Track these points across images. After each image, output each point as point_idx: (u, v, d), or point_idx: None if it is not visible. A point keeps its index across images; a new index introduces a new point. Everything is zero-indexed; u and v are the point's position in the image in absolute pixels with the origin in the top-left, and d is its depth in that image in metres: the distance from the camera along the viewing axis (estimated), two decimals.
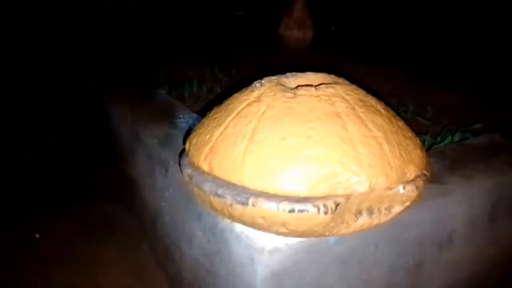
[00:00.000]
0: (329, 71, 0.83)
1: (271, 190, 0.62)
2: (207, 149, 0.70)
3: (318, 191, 0.61)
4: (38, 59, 2.87)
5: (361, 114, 0.68)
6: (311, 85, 0.75)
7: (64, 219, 1.42)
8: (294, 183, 0.61)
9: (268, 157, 0.63)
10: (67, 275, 1.16)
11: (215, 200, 0.65)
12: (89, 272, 1.17)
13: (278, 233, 0.66)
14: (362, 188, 0.63)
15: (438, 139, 1.25)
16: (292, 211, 0.60)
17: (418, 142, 0.74)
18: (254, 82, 0.79)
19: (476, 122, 1.36)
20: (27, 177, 1.69)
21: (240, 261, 0.71)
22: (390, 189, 0.64)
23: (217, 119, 0.73)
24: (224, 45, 2.85)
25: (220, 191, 0.64)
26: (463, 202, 0.94)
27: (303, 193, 0.61)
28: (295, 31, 2.86)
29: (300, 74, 0.82)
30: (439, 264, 0.95)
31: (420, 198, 0.70)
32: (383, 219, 0.68)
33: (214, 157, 0.68)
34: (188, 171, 0.71)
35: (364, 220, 0.67)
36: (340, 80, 0.79)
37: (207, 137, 0.71)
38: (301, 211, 0.60)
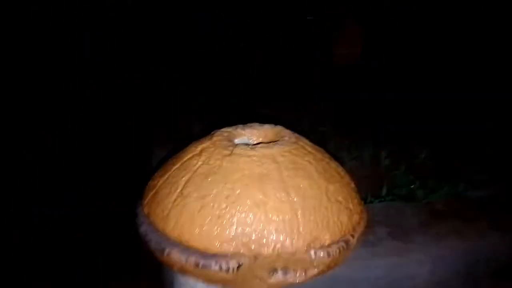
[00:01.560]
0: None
1: (187, 243, 0.69)
2: (151, 193, 0.79)
3: (227, 249, 0.67)
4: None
5: (286, 178, 0.72)
6: (258, 142, 0.80)
7: None
8: (205, 239, 0.67)
9: (188, 212, 0.70)
10: None
11: (146, 243, 0.74)
12: None
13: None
14: (268, 251, 0.67)
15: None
16: (197, 265, 0.66)
17: (350, 206, 0.76)
18: (212, 132, 0.86)
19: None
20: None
21: None
22: (297, 254, 0.67)
23: (167, 165, 0.82)
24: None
25: (148, 237, 0.73)
26: (427, 263, 0.93)
27: (212, 249, 0.67)
28: (344, 49, 2.85)
29: (257, 127, 0.87)
30: None
31: (336, 263, 0.72)
32: (299, 279, 0.71)
33: (153, 203, 0.76)
34: (137, 210, 0.80)
35: (279, 278, 0.71)
36: (292, 137, 0.83)
37: (155, 182, 0.80)
38: (204, 266, 0.66)
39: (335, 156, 1.39)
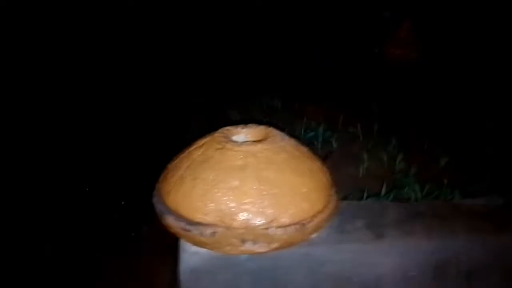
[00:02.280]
0: None
1: (180, 213, 0.92)
2: (164, 174, 1.03)
3: (206, 219, 0.89)
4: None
5: (260, 170, 0.92)
6: (246, 139, 1.01)
7: None
8: (191, 211, 0.90)
9: (183, 190, 0.93)
10: None
11: (155, 211, 0.99)
12: None
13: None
14: (237, 224, 0.88)
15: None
16: (183, 229, 0.90)
17: (313, 197, 0.93)
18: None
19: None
20: None
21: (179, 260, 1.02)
22: (260, 229, 0.88)
23: (180, 154, 1.05)
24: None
25: (156, 206, 0.97)
26: (394, 255, 1.07)
27: (195, 219, 0.90)
28: (399, 50, 2.89)
29: (254, 127, 1.08)
30: None
31: (293, 240, 0.91)
32: (264, 249, 0.91)
33: (163, 182, 1.01)
34: (155, 186, 1.05)
35: (248, 247, 0.91)
36: (277, 137, 1.02)
37: (169, 165, 1.05)
38: (189, 230, 0.89)
39: (328, 155, 1.56)
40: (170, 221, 0.92)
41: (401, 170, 1.55)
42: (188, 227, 0.89)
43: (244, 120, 1.14)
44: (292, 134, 1.74)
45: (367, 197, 1.32)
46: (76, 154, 2.51)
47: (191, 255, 0.99)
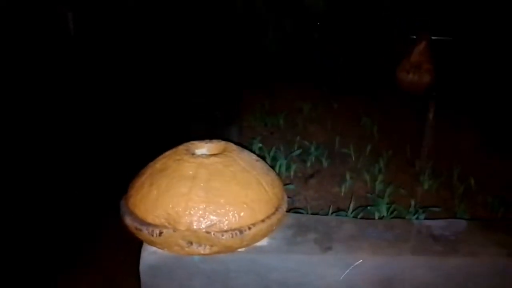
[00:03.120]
0: None
1: (135, 214, 1.05)
2: (133, 180, 1.17)
3: (155, 221, 1.02)
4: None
5: (208, 181, 1.03)
6: (205, 153, 1.13)
7: None
8: (144, 212, 1.03)
9: (141, 194, 1.06)
10: None
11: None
12: None
13: None
14: (183, 227, 1.00)
15: None
16: (136, 229, 1.03)
17: (255, 208, 1.04)
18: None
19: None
20: None
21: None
22: (201, 233, 0.99)
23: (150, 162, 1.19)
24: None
25: (121, 208, 1.11)
26: (339, 267, 1.14)
27: (147, 220, 1.03)
28: (410, 75, 2.92)
29: (215, 142, 1.20)
30: None
31: (233, 245, 1.01)
32: (207, 251, 1.03)
33: (130, 187, 1.15)
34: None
35: (194, 249, 1.03)
36: (233, 152, 1.14)
37: (139, 173, 1.19)
38: (140, 230, 1.02)
39: (314, 173, 1.63)
40: (128, 221, 1.05)
41: (379, 191, 1.61)
42: (140, 226, 1.02)
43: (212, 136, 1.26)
44: (280, 151, 1.85)
45: (332, 213, 1.39)
46: (74, 152, 2.70)
47: (149, 254, 1.11)
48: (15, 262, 1.73)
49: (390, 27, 3.58)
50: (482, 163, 1.95)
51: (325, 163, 1.89)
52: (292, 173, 1.78)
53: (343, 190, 1.67)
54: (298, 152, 1.88)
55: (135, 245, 1.32)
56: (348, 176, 1.72)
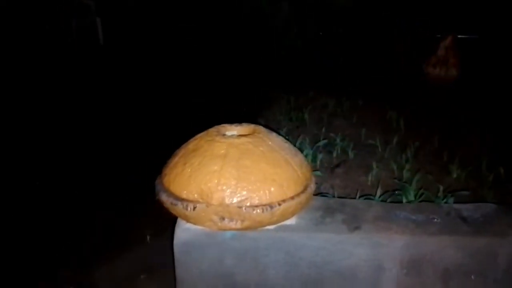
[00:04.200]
0: None
1: (170, 191, 1.11)
2: (168, 160, 1.23)
3: (189, 196, 1.07)
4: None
5: (239, 159, 1.08)
6: (235, 134, 1.18)
7: None
8: (178, 189, 1.08)
9: (175, 172, 1.12)
10: None
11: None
12: None
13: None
14: (215, 202, 1.04)
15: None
16: (171, 204, 1.08)
17: (284, 185, 1.07)
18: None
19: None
20: None
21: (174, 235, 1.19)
22: (233, 207, 1.03)
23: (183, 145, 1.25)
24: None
25: (156, 186, 1.17)
26: (366, 246, 1.16)
27: (181, 196, 1.08)
28: (437, 69, 2.91)
29: (244, 125, 1.25)
30: None
31: (263, 220, 1.05)
32: (238, 226, 1.07)
33: (166, 166, 1.20)
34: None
35: (226, 224, 1.07)
36: (261, 133, 1.18)
37: (173, 154, 1.24)
38: (175, 204, 1.07)
39: (340, 163, 1.65)
40: (163, 197, 1.11)
41: (407, 179, 1.61)
42: (175, 201, 1.07)
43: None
44: (306, 142, 1.88)
45: (360, 197, 1.41)
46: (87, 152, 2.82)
47: (183, 230, 1.16)
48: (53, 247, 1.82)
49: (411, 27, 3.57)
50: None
51: (351, 154, 1.91)
52: (318, 163, 1.80)
53: (369, 179, 1.68)
54: (324, 142, 1.90)
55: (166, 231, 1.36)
56: (374, 165, 1.73)
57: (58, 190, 2.33)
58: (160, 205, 1.17)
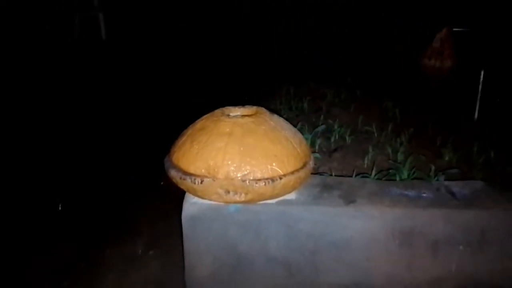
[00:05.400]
0: None
1: (179, 166, 1.19)
2: (177, 139, 1.31)
3: (196, 171, 1.15)
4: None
5: (242, 136, 1.16)
6: (239, 115, 1.26)
7: None
8: (186, 164, 1.17)
9: (183, 149, 1.20)
10: None
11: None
12: None
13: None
14: (221, 176, 1.13)
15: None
16: (180, 178, 1.16)
17: (285, 160, 1.15)
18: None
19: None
20: None
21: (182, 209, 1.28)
22: (237, 181, 1.12)
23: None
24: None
25: (165, 163, 1.25)
26: (361, 219, 1.24)
27: (189, 171, 1.16)
28: (433, 60, 2.99)
29: (248, 107, 1.33)
30: (334, 259, 1.27)
31: (265, 192, 1.13)
32: (243, 199, 1.15)
33: (174, 145, 1.29)
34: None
35: (231, 197, 1.16)
36: (263, 114, 1.26)
37: (182, 133, 1.32)
38: (184, 179, 1.16)
39: (338, 148, 1.73)
40: (172, 173, 1.19)
41: (401, 161, 1.70)
42: (184, 176, 1.16)
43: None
44: (305, 128, 1.96)
45: (356, 176, 1.50)
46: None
47: (190, 204, 1.25)
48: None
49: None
50: (503, 139, 2.00)
51: (348, 140, 1.99)
52: (316, 147, 1.88)
53: (366, 162, 1.77)
54: (322, 127, 1.98)
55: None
56: (370, 149, 1.81)
57: (73, 179, 2.42)
58: (165, 191, 1.24)
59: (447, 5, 3.71)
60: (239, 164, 1.12)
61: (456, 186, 1.35)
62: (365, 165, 1.76)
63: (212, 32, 5.21)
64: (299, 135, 1.29)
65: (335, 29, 4.27)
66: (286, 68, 3.74)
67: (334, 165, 1.77)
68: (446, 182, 1.39)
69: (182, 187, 1.20)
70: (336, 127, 2.06)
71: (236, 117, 1.23)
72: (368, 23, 3.99)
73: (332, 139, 1.99)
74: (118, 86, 4.30)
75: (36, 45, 5.14)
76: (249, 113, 1.29)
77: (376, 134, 2.04)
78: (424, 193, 1.30)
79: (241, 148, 1.14)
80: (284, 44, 4.55)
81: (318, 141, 1.91)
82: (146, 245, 1.75)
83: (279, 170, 1.14)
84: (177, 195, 1.28)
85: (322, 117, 2.21)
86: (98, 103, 3.80)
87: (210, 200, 1.18)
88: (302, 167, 1.20)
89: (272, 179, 1.12)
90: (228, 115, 1.26)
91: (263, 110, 1.29)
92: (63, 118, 3.41)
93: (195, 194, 1.18)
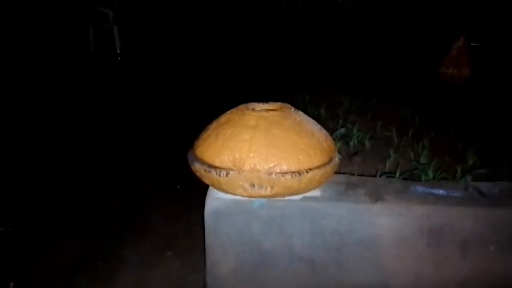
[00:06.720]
0: None
1: (204, 160, 1.18)
2: (201, 133, 1.30)
3: (222, 164, 1.14)
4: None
5: (267, 129, 1.15)
6: (264, 109, 1.26)
7: None
8: (211, 157, 1.16)
9: (208, 142, 1.19)
10: None
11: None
12: None
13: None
14: (246, 168, 1.11)
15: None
16: (205, 171, 1.15)
17: (311, 153, 1.14)
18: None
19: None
20: None
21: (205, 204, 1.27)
22: (264, 174, 1.10)
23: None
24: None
25: (189, 156, 1.24)
26: (387, 216, 1.22)
27: (214, 163, 1.15)
28: (450, 69, 2.97)
29: (272, 103, 1.32)
30: (360, 257, 1.24)
31: (291, 186, 1.11)
32: (268, 193, 1.13)
33: (198, 138, 1.28)
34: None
35: (256, 190, 1.14)
36: (287, 109, 1.25)
37: (206, 127, 1.31)
38: (209, 171, 1.14)
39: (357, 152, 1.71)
40: (197, 166, 1.18)
41: (424, 164, 1.67)
42: (209, 169, 1.14)
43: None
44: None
45: (380, 175, 1.47)
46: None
47: (213, 199, 1.23)
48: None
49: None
50: None
51: (368, 144, 1.97)
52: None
53: (387, 165, 1.74)
54: (342, 130, 1.96)
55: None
56: (392, 153, 1.78)
57: (91, 179, 2.44)
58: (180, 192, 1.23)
59: (462, 17, 3.70)
60: (266, 156, 1.11)
61: (485, 186, 1.32)
62: (387, 169, 1.73)
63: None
64: (324, 130, 1.28)
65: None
66: (293, 71, 3.74)
67: (355, 168, 1.75)
68: (474, 183, 1.35)
69: (206, 180, 1.18)
70: (355, 131, 2.04)
71: (261, 111, 1.22)
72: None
73: (351, 144, 1.96)
74: (132, 95, 4.35)
75: (52, 57, 5.24)
76: (274, 108, 1.28)
77: (396, 139, 2.02)
78: (453, 192, 1.26)
79: (268, 140, 1.13)
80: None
81: (338, 145, 1.88)
82: (164, 246, 1.74)
83: (306, 164, 1.12)
84: (193, 195, 1.28)
85: (340, 122, 2.19)
86: (116, 111, 3.84)
87: (234, 194, 1.17)
88: (328, 162, 1.18)
89: (299, 172, 1.11)
90: (253, 110, 1.25)
91: (287, 105, 1.29)
92: (84, 123, 3.46)
93: (219, 187, 1.17)
